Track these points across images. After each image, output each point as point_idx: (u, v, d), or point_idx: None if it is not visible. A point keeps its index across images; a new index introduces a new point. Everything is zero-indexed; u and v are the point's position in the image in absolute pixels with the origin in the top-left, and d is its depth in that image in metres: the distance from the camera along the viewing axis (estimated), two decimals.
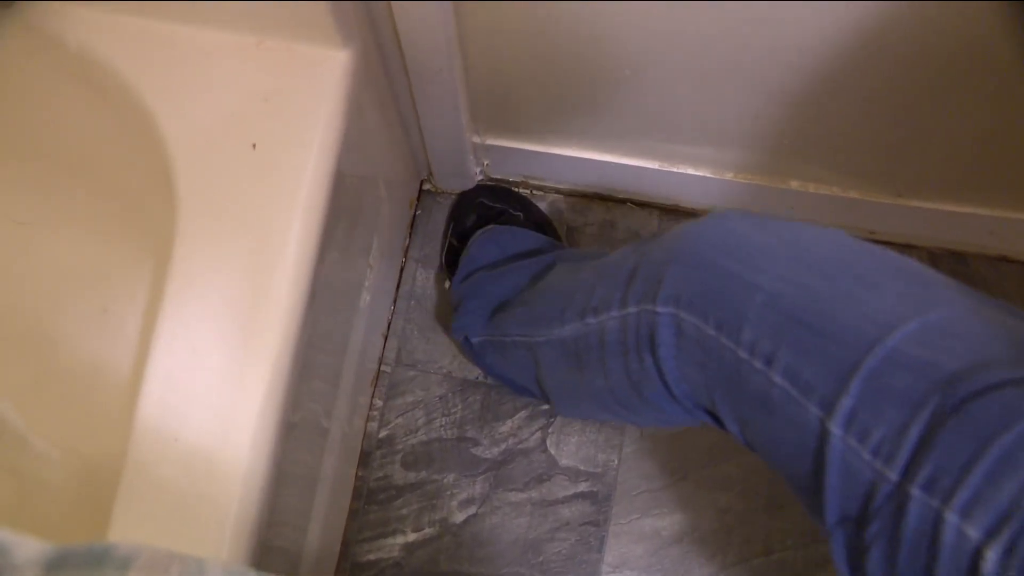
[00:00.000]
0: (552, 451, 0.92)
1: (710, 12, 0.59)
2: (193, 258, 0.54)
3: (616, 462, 0.91)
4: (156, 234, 0.60)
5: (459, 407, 0.93)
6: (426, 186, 0.99)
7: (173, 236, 0.54)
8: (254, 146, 0.56)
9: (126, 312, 0.71)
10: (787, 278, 0.47)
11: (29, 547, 0.31)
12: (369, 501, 0.91)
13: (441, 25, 0.63)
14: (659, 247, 0.55)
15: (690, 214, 0.97)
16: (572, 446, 0.92)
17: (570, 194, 0.98)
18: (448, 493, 0.91)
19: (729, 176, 0.86)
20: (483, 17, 0.64)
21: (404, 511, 0.91)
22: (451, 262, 0.94)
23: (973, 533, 0.36)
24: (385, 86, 0.72)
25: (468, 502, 0.91)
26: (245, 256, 0.54)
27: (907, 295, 0.44)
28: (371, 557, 0.90)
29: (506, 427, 0.92)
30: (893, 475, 0.40)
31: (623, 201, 0.98)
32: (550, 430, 0.92)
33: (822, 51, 0.62)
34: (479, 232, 0.90)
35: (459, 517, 0.90)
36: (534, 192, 0.98)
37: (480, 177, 0.96)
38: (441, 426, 0.93)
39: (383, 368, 0.94)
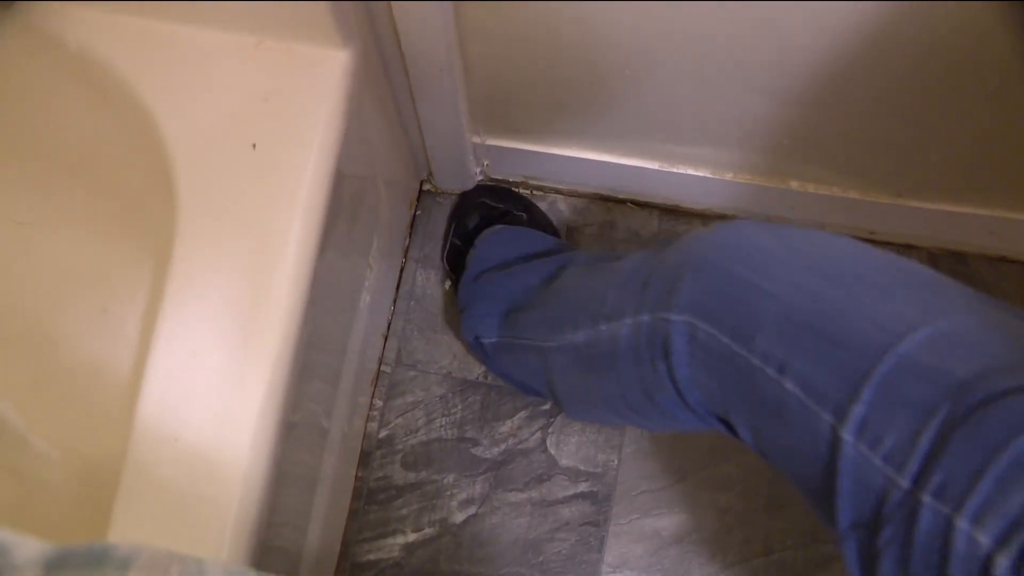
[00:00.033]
0: (552, 451, 0.92)
1: (710, 12, 0.59)
2: (193, 258, 0.54)
3: (616, 462, 0.91)
4: (156, 234, 0.60)
5: (459, 407, 0.93)
6: (426, 186, 0.99)
7: (173, 236, 0.54)
8: (254, 146, 0.56)
9: (126, 312, 0.71)
10: (800, 286, 0.47)
11: (29, 547, 0.31)
12: (369, 501, 0.91)
13: (441, 25, 0.63)
14: (673, 255, 0.55)
15: (690, 214, 0.97)
16: (572, 446, 0.92)
17: (570, 194, 0.98)
18: (448, 493, 0.91)
19: (729, 176, 0.86)
20: (483, 17, 0.64)
21: (404, 511, 0.91)
22: (453, 262, 0.94)
23: (984, 540, 0.36)
24: (385, 86, 0.72)
25: (468, 502, 0.91)
26: (245, 256, 0.54)
27: (919, 302, 0.44)
28: (371, 557, 0.90)
29: (506, 427, 0.92)
30: (904, 482, 0.40)
31: (623, 201, 0.98)
32: (550, 430, 0.92)
33: (823, 52, 0.62)
34: (486, 232, 0.89)
35: (459, 517, 0.90)
36: (534, 192, 0.98)
37: (480, 177, 0.96)
38: (441, 426, 0.93)
39: (383, 368, 0.94)
